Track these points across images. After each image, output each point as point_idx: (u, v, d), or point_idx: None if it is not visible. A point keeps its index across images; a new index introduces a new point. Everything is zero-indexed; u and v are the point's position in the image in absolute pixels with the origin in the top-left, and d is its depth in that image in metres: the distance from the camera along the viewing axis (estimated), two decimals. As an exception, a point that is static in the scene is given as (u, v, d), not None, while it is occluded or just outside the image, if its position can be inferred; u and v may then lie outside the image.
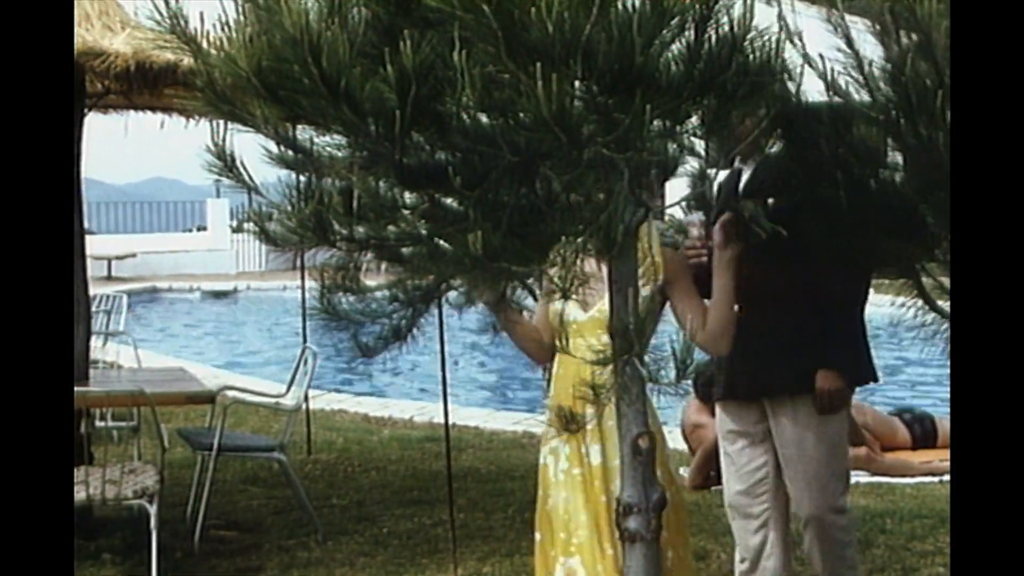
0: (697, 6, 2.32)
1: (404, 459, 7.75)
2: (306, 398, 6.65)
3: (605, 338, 3.29)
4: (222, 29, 2.46)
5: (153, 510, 5.04)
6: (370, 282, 3.47)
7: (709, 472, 6.99)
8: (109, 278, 21.71)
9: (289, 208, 2.64)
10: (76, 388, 5.30)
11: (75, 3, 5.48)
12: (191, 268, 25.15)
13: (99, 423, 6.69)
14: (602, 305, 3.34)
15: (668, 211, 3.89)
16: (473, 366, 13.71)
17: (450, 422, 5.77)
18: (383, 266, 3.19)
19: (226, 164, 2.85)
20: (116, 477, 5.05)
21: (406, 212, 2.54)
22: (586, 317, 3.44)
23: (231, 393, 6.56)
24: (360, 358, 3.30)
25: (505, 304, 3.58)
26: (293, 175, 2.92)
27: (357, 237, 2.54)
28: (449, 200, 2.57)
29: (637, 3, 2.26)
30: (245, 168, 2.83)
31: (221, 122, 2.78)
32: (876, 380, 4.26)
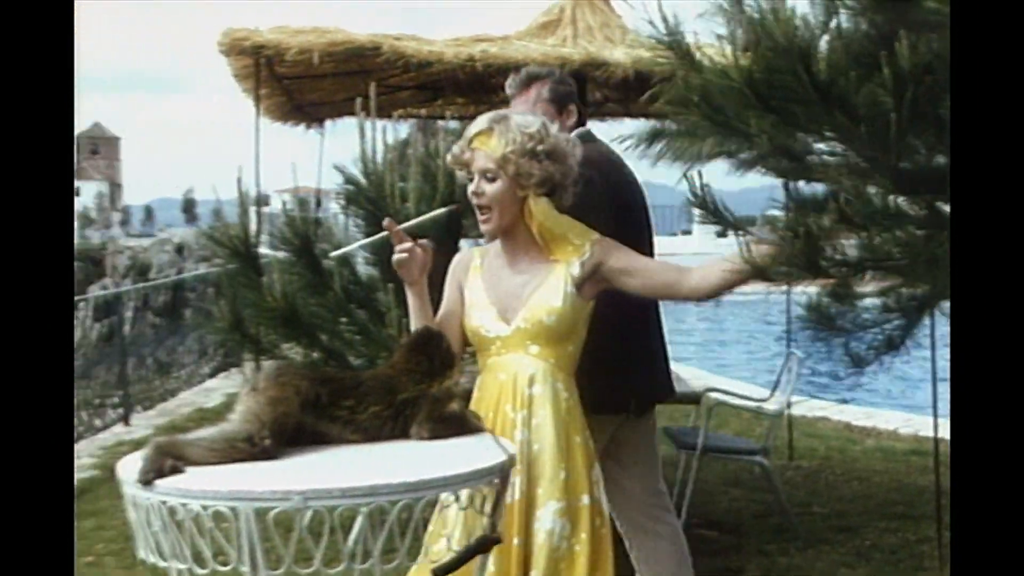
0: None
1: (888, 471, 7.51)
2: (788, 404, 6.62)
3: (534, 348, 3.09)
4: (717, 41, 2.52)
5: (638, 504, 5.20)
6: (861, 288, 3.39)
7: None
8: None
9: (773, 233, 2.63)
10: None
11: (578, 17, 5.79)
12: (676, 271, 25.63)
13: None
14: (527, 313, 3.10)
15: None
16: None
17: (938, 436, 5.52)
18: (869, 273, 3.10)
19: (707, 208, 2.93)
20: (604, 469, 5.26)
21: (904, 220, 2.47)
22: (510, 331, 3.12)
23: (715, 395, 6.65)
24: (852, 368, 3.23)
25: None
26: (778, 185, 2.92)
27: (849, 260, 2.50)
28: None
29: None
30: (728, 210, 2.88)
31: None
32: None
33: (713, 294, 3.03)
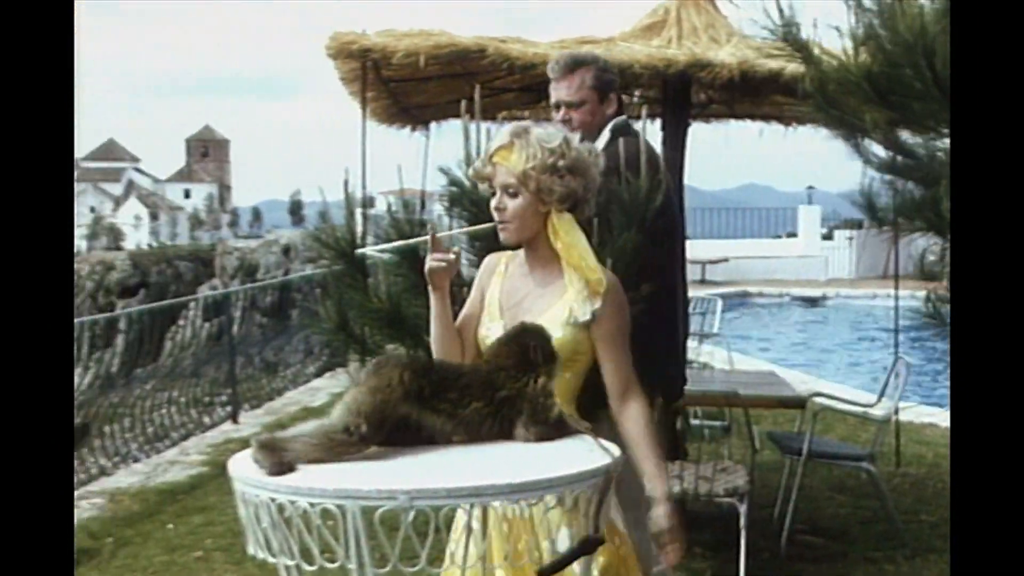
0: None
1: (1001, 480, 7.32)
2: (896, 409, 6.49)
3: None
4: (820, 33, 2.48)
5: (743, 509, 5.15)
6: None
7: None
8: (703, 281, 22.52)
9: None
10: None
11: (683, 18, 5.75)
12: (781, 274, 25.38)
13: (693, 421, 6.95)
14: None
15: None
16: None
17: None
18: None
19: (857, 145, 2.79)
20: (708, 474, 5.22)
21: None
22: None
23: (820, 399, 6.55)
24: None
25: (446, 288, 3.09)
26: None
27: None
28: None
29: None
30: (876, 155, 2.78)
31: (821, 130, 2.79)
32: None
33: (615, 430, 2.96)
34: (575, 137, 3.06)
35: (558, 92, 4.06)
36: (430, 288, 3.10)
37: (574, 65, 4.06)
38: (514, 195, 2.99)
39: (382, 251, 3.92)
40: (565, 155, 2.96)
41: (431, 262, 3.04)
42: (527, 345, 2.75)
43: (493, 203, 3.04)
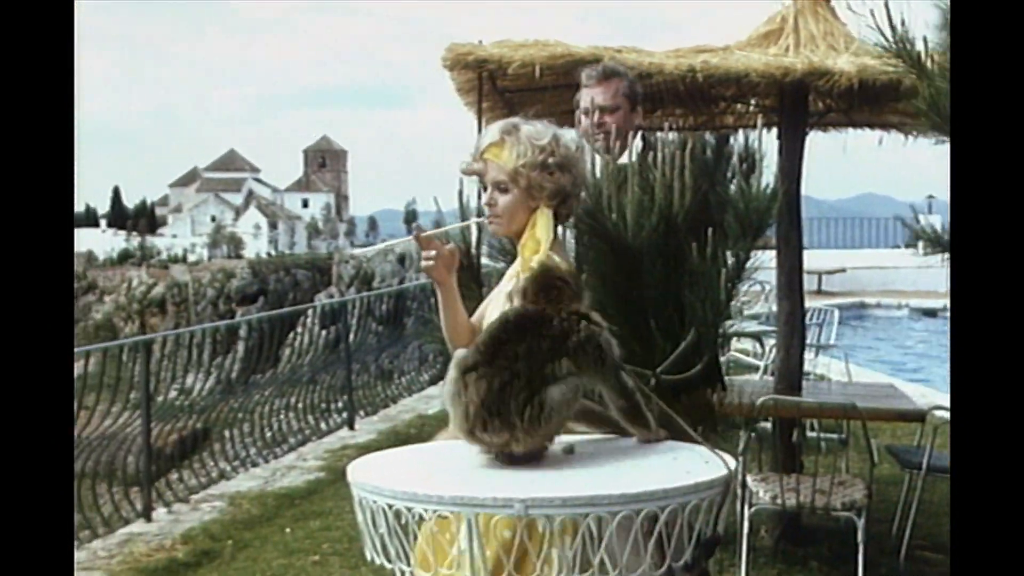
0: None
1: None
2: (1022, 424, 6.31)
3: None
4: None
5: (860, 524, 5.07)
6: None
7: None
8: (819, 292, 22.16)
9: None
10: (790, 398, 5.49)
11: (801, 26, 5.68)
12: (900, 284, 24.86)
13: (810, 433, 6.85)
14: (484, 324, 2.98)
15: None
16: None
17: None
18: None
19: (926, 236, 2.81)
20: (825, 487, 5.15)
21: None
22: None
23: (941, 413, 6.40)
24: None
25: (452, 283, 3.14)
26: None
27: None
28: None
29: None
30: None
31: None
32: None
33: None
34: (564, 133, 3.12)
35: (594, 97, 4.30)
36: (435, 285, 3.18)
37: (610, 73, 4.37)
38: (505, 191, 3.06)
39: (375, 251, 4.02)
40: (555, 152, 3.02)
41: (422, 261, 3.14)
42: (549, 285, 2.71)
43: (484, 199, 3.12)
